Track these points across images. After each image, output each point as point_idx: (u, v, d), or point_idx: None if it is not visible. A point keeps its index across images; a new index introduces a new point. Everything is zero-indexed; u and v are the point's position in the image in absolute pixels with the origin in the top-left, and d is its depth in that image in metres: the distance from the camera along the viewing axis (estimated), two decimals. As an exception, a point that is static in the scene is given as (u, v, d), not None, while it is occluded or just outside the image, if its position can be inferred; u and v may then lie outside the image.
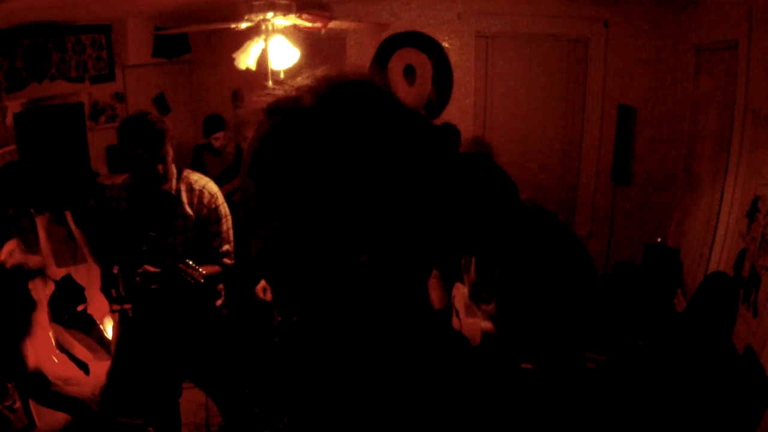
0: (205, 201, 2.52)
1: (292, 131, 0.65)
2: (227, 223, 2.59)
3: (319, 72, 0.69)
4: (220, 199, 2.58)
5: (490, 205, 1.57)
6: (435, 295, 2.08)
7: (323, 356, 0.80)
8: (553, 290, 1.65)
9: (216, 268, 2.53)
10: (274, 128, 0.66)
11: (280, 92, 0.68)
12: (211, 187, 2.58)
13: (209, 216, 2.52)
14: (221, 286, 2.72)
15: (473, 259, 1.88)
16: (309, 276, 0.70)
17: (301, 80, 0.68)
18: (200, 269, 2.34)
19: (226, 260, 2.59)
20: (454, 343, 0.77)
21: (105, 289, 2.48)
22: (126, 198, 2.50)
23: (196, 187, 2.53)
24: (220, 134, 4.45)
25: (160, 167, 2.36)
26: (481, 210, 1.56)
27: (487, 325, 1.80)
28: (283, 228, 0.67)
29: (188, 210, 2.49)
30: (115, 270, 2.39)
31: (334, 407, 0.74)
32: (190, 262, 2.36)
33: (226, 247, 2.59)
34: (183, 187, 2.51)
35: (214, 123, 4.48)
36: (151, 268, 2.35)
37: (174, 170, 2.49)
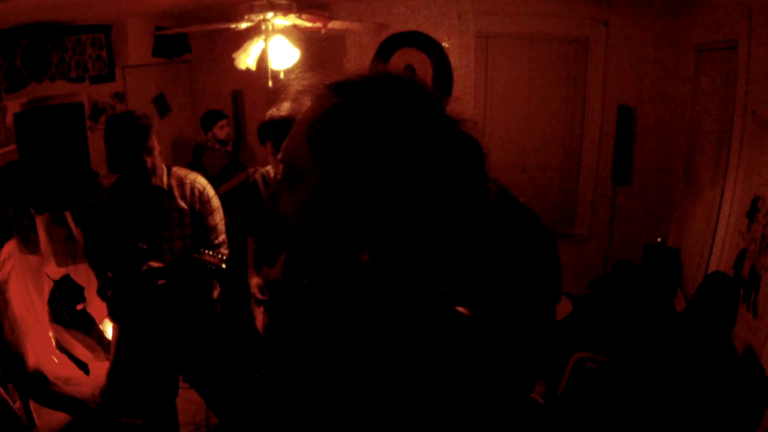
0: (197, 194, 2.58)
1: (361, 115, 0.71)
2: (219, 215, 2.66)
3: (381, 66, 0.76)
4: (211, 191, 2.65)
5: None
6: None
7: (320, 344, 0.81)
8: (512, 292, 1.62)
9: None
10: (340, 105, 0.72)
11: (349, 73, 0.75)
12: (201, 180, 2.65)
13: (203, 209, 2.58)
14: None
15: None
16: (328, 244, 0.75)
17: (361, 72, 0.75)
18: (218, 255, 2.42)
19: (223, 250, 2.64)
20: (456, 322, 0.80)
21: (101, 293, 2.50)
22: (116, 200, 2.52)
23: (187, 181, 2.59)
24: (224, 121, 4.50)
25: (149, 161, 2.41)
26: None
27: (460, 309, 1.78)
28: (321, 193, 0.72)
29: (182, 203, 2.55)
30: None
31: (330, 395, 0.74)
32: (206, 251, 2.44)
33: (221, 237, 2.66)
34: (174, 182, 2.56)
35: (214, 114, 4.54)
36: (155, 264, 2.38)
37: (163, 166, 2.54)
